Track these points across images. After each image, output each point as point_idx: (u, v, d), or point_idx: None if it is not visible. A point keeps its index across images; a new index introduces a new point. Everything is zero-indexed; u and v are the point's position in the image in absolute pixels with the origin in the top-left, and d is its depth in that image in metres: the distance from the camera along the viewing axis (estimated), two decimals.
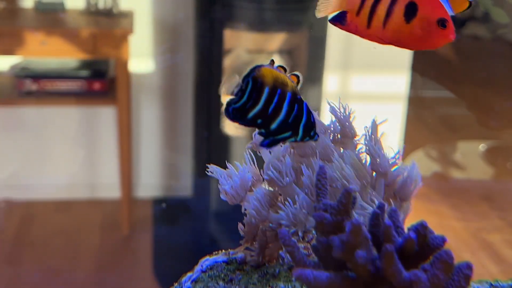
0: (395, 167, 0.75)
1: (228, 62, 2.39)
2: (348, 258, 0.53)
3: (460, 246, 2.21)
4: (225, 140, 2.36)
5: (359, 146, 0.77)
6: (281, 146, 0.77)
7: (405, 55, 2.57)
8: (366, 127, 0.76)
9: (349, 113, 0.78)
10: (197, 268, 0.76)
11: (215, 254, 0.78)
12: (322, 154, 0.75)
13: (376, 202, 0.70)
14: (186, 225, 2.50)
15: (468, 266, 0.53)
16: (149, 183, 2.68)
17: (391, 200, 0.74)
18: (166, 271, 2.23)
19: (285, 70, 0.69)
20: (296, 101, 0.67)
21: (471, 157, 2.86)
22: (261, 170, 0.75)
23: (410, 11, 0.68)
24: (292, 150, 0.77)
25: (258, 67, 0.68)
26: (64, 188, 2.65)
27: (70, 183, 2.65)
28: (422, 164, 2.65)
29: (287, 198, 0.72)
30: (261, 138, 0.77)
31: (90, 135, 2.63)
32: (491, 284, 0.74)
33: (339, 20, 0.72)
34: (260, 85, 0.67)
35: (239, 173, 0.76)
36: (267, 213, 0.73)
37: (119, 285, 2.21)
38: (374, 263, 0.53)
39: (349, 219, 0.56)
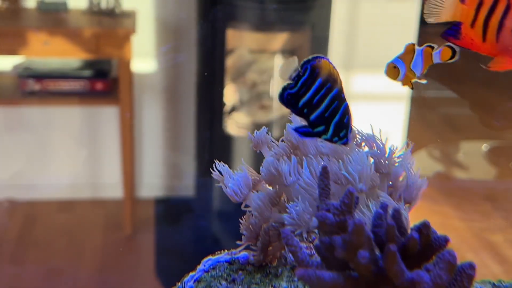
0: (396, 165, 0.75)
1: (230, 62, 2.39)
2: (351, 258, 0.53)
3: (462, 246, 2.21)
4: (227, 140, 2.36)
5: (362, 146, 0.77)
6: (283, 144, 0.77)
7: None
8: (371, 127, 0.76)
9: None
10: (200, 267, 0.76)
11: (218, 254, 0.78)
12: (332, 152, 0.74)
13: (381, 201, 0.70)
14: (188, 225, 2.50)
15: (471, 266, 0.53)
16: (152, 183, 2.68)
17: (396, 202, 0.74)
18: (169, 271, 2.23)
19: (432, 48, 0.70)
20: (339, 98, 0.67)
21: (474, 157, 2.86)
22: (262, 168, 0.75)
23: None
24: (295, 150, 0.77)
25: (318, 57, 0.68)
26: (67, 188, 2.65)
27: (73, 183, 2.66)
28: (425, 164, 2.64)
29: (290, 198, 0.72)
30: (263, 136, 0.77)
31: (93, 135, 2.63)
32: (494, 284, 0.74)
33: (453, 34, 0.70)
34: (316, 75, 0.67)
35: (243, 172, 0.76)
36: (270, 213, 0.73)
37: (122, 284, 2.21)
38: (376, 263, 0.53)
39: (352, 219, 0.56)
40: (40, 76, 2.35)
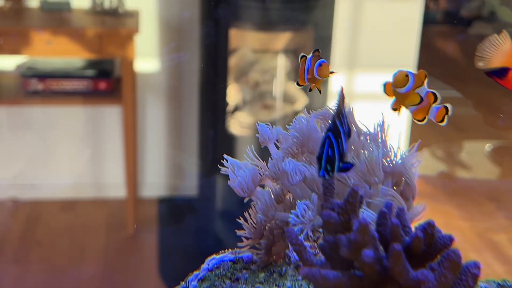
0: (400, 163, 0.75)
1: (233, 61, 2.39)
2: (355, 257, 0.53)
3: (466, 246, 2.21)
4: (230, 139, 2.35)
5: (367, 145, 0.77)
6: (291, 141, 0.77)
7: (410, 54, 2.57)
8: (375, 126, 0.76)
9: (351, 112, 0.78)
10: (204, 266, 0.76)
11: (222, 253, 0.78)
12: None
13: (385, 200, 0.70)
14: (191, 224, 2.50)
15: (476, 266, 0.53)
16: (155, 183, 2.68)
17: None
18: (171, 270, 2.23)
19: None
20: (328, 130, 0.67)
21: (477, 157, 2.85)
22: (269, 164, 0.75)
23: None
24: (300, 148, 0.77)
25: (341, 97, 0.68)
26: (70, 187, 2.66)
27: (76, 183, 2.66)
28: (428, 163, 2.64)
29: (295, 197, 0.72)
30: (269, 133, 0.77)
31: (96, 135, 2.63)
32: (499, 284, 0.74)
33: (498, 75, 0.72)
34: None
35: (251, 167, 0.75)
36: (275, 212, 0.73)
37: (125, 284, 2.21)
38: (381, 262, 0.53)
39: (357, 218, 0.56)
40: (43, 75, 2.35)
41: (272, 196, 0.73)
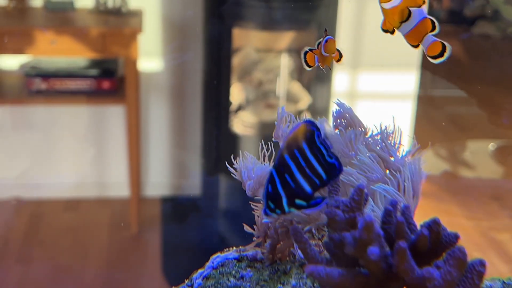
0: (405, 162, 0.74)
1: (237, 60, 2.39)
2: (361, 255, 0.53)
3: (469, 245, 2.20)
4: (234, 138, 2.35)
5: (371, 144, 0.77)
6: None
7: (414, 54, 2.56)
8: (381, 124, 0.76)
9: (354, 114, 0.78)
10: (208, 264, 0.76)
11: (226, 251, 0.78)
12: (341, 152, 0.74)
13: (389, 198, 0.70)
14: (195, 223, 2.50)
15: (482, 263, 0.53)
16: (158, 182, 2.68)
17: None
18: (175, 269, 2.23)
19: None
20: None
21: (481, 156, 2.85)
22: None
23: None
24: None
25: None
26: (73, 186, 2.66)
27: (79, 182, 2.66)
28: (432, 163, 2.64)
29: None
30: (285, 131, 0.76)
31: (99, 134, 2.64)
32: (504, 282, 0.73)
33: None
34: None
35: (258, 166, 0.75)
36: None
37: (128, 283, 2.21)
38: (386, 260, 0.53)
39: (362, 215, 0.56)
40: (47, 75, 2.36)
41: None
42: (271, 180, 0.63)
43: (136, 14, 2.42)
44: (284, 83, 2.43)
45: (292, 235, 0.57)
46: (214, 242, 2.32)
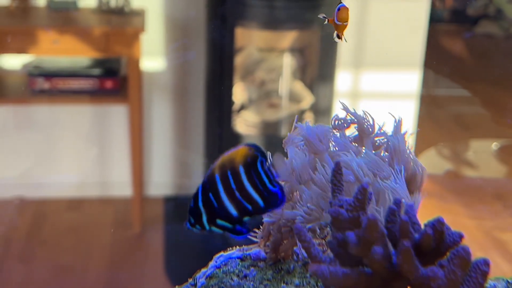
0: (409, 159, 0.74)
1: (239, 60, 2.39)
2: (364, 254, 0.53)
3: (472, 245, 2.19)
4: (236, 138, 2.35)
5: (377, 143, 0.77)
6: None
7: (417, 53, 2.56)
8: (394, 122, 0.75)
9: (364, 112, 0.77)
10: (212, 264, 0.75)
11: (230, 250, 0.78)
12: (339, 151, 0.74)
13: (392, 197, 0.69)
14: None
15: (486, 263, 0.53)
16: (161, 181, 2.69)
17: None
18: (178, 269, 2.23)
19: None
20: None
21: (484, 155, 2.84)
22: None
23: None
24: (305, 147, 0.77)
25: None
26: (76, 186, 2.66)
27: (82, 181, 2.66)
28: (435, 162, 2.63)
29: (302, 195, 0.72)
30: (296, 138, 0.76)
31: (102, 133, 2.64)
32: (508, 281, 0.73)
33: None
34: None
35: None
36: (281, 211, 0.73)
37: (131, 282, 2.21)
38: (390, 259, 0.53)
39: (365, 215, 0.56)
40: (50, 74, 2.36)
41: None
42: (195, 195, 0.62)
43: (139, 14, 2.42)
44: (287, 82, 2.43)
45: (296, 234, 0.57)
46: (217, 242, 2.32)
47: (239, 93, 2.40)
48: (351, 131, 0.78)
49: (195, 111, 2.59)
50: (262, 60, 2.43)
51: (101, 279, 2.21)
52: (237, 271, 0.73)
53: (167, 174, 2.70)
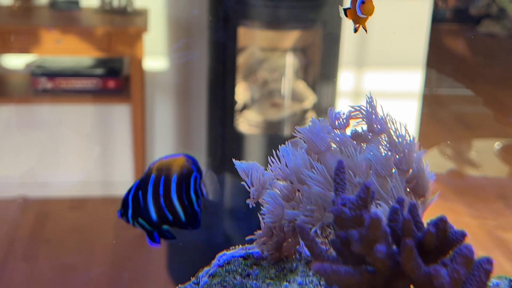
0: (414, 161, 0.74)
1: (242, 59, 2.39)
2: (367, 253, 0.53)
3: (475, 244, 2.19)
4: (239, 137, 2.36)
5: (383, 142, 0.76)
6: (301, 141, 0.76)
7: (419, 52, 2.56)
8: (401, 123, 0.75)
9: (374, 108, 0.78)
10: (214, 262, 0.76)
11: (232, 249, 0.78)
12: (340, 149, 0.74)
13: (396, 197, 0.70)
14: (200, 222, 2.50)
15: (489, 261, 0.53)
16: None
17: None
18: (180, 268, 2.24)
19: None
20: None
21: (487, 155, 2.84)
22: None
23: None
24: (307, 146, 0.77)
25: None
26: (79, 185, 2.66)
27: (85, 181, 2.67)
28: (437, 162, 2.63)
29: (303, 195, 0.72)
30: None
31: (105, 133, 2.64)
32: (510, 280, 0.73)
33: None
34: None
35: (258, 169, 0.75)
36: (282, 211, 0.73)
37: (134, 281, 2.22)
38: (393, 257, 0.53)
39: (368, 213, 0.56)
40: (53, 74, 2.36)
41: (280, 195, 0.73)
42: (129, 188, 0.62)
43: (141, 13, 2.42)
44: (289, 82, 2.43)
45: (298, 233, 0.57)
46: (218, 241, 2.32)
47: (241, 92, 2.40)
48: (351, 127, 0.78)
49: (197, 111, 2.59)
50: (264, 60, 2.43)
51: (104, 277, 2.21)
52: (240, 270, 0.73)
53: None
